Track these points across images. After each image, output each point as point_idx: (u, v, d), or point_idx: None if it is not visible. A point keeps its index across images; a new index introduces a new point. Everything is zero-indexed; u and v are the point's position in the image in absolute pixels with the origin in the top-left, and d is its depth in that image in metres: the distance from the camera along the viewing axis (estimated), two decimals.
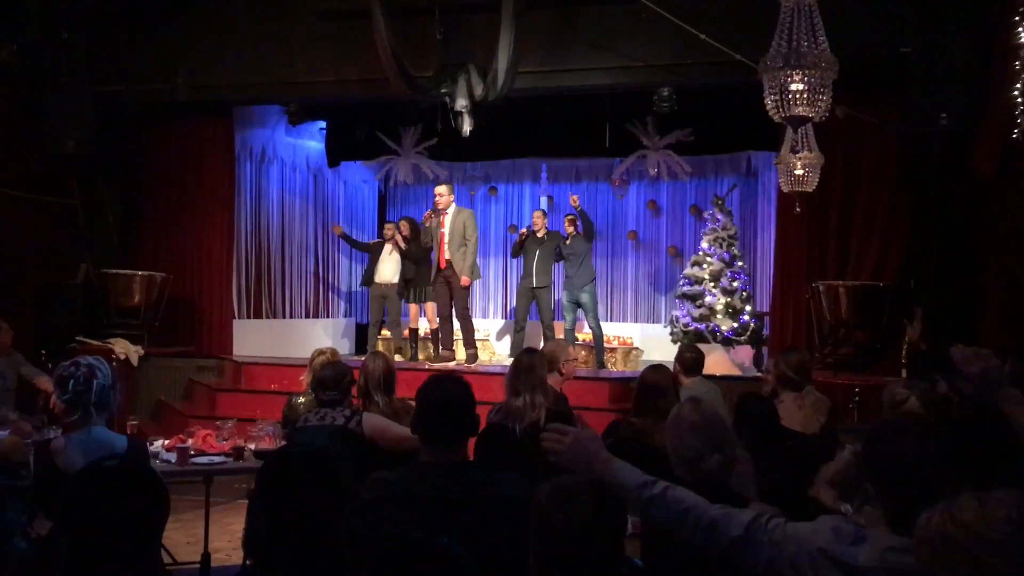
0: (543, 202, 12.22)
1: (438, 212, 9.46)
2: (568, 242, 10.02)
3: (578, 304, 9.98)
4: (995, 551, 1.53)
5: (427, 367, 9.26)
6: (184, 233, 9.96)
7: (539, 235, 10.03)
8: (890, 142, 8.05)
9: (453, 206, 9.56)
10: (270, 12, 9.09)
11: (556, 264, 10.25)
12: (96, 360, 3.46)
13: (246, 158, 10.69)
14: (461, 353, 9.64)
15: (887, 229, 8.16)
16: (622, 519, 2.06)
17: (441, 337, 9.79)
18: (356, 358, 9.11)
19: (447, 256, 9.39)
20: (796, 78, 4.16)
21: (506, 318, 12.23)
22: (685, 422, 2.72)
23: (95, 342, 8.78)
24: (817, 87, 4.19)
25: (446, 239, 9.38)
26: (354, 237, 11.89)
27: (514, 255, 10.50)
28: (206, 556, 5.31)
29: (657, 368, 4.85)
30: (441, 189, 9.58)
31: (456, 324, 9.71)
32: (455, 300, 9.53)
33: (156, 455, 5.18)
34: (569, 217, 10.17)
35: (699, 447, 2.67)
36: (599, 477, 2.20)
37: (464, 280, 9.37)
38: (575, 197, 10.22)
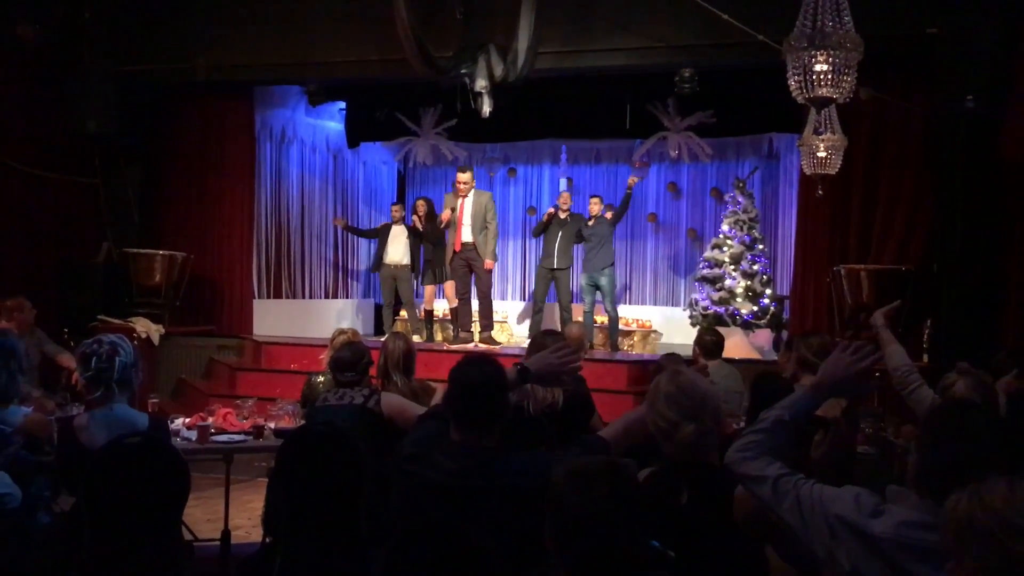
0: (563, 183, 12.17)
1: (458, 196, 9.46)
2: (591, 223, 9.97)
3: (596, 287, 9.94)
4: (1021, 537, 1.51)
5: (445, 348, 9.28)
6: (205, 213, 10.01)
7: (562, 216, 9.97)
8: (915, 124, 7.95)
9: (474, 189, 9.58)
10: None
11: (576, 246, 10.20)
12: (118, 338, 3.49)
13: (266, 138, 10.70)
14: (470, 332, 9.68)
15: (910, 213, 8.08)
16: (639, 500, 2.06)
17: (460, 319, 9.80)
18: (375, 339, 9.14)
19: (464, 239, 9.41)
20: (820, 59, 4.12)
21: (524, 300, 12.23)
22: (660, 393, 2.69)
23: (117, 320, 8.85)
24: (842, 68, 4.14)
25: (467, 222, 9.37)
26: (371, 219, 11.92)
27: (535, 235, 10.44)
28: (226, 533, 5.36)
29: (672, 357, 4.86)
30: (465, 176, 9.56)
31: (475, 305, 9.72)
32: (478, 282, 9.54)
33: (177, 433, 5.23)
34: (595, 198, 10.13)
35: (674, 418, 2.64)
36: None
37: (488, 263, 9.38)
38: (634, 178, 10.23)
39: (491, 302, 9.71)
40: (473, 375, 2.66)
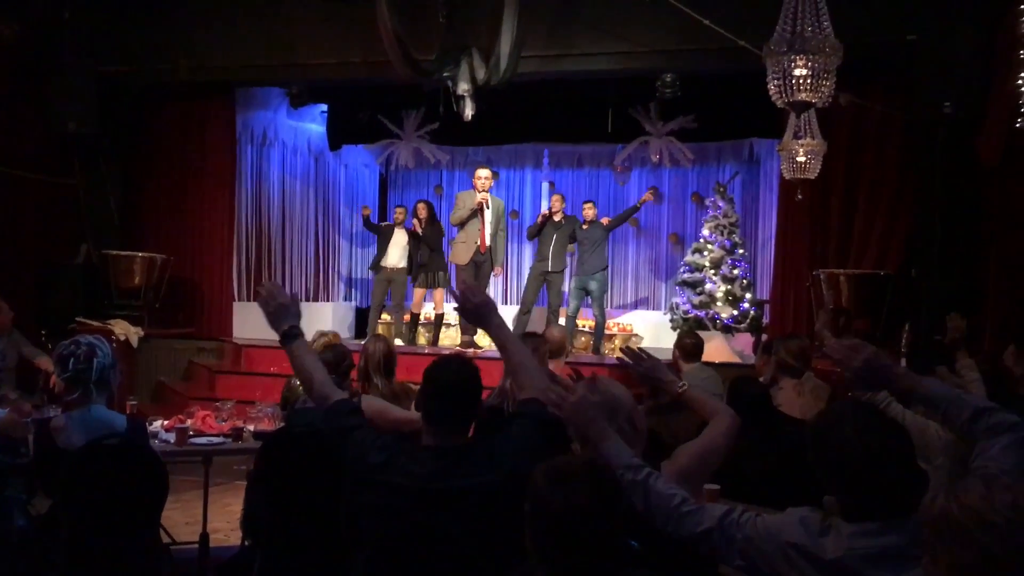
0: (545, 187, 12.19)
1: (476, 194, 9.53)
2: (585, 227, 9.99)
3: (586, 291, 9.94)
4: (996, 535, 1.54)
5: (426, 351, 9.26)
6: (185, 215, 9.96)
7: (556, 219, 9.96)
8: (894, 130, 8.03)
9: (490, 193, 9.64)
10: None
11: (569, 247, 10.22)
12: (96, 339, 3.47)
13: (247, 140, 10.66)
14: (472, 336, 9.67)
15: (889, 217, 8.15)
16: (620, 500, 2.06)
17: (462, 322, 9.75)
18: (356, 342, 9.11)
19: (488, 242, 9.48)
20: (800, 63, 4.15)
21: (505, 303, 12.22)
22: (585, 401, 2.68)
23: (95, 323, 8.78)
24: (821, 73, 4.18)
25: (489, 225, 9.46)
26: (352, 221, 11.92)
27: (530, 237, 10.43)
28: (204, 536, 5.33)
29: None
30: (486, 172, 9.63)
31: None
32: (479, 284, 9.52)
33: (155, 435, 5.19)
34: (589, 203, 10.16)
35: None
36: (591, 444, 2.31)
37: (497, 270, 9.50)
38: (650, 195, 10.40)
39: None
40: (449, 375, 2.66)
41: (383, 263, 10.33)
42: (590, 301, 10.01)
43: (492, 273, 9.50)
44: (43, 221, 9.27)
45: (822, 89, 4.23)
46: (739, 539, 2.13)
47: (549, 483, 2.00)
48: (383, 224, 10.96)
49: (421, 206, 10.35)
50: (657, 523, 2.23)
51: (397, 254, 10.32)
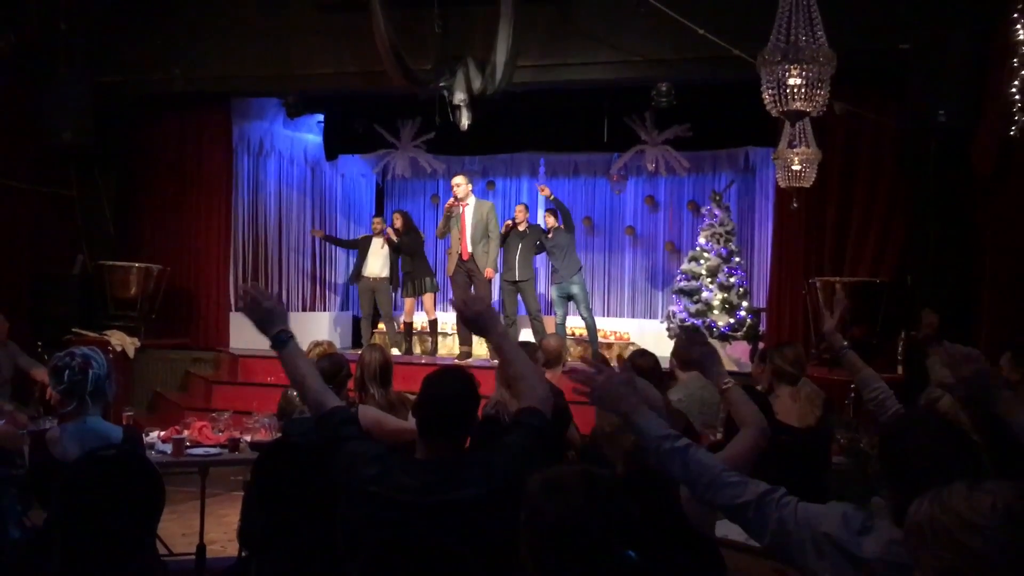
0: (541, 197, 12.19)
1: (458, 201, 9.39)
2: (550, 235, 9.98)
3: (569, 297, 9.94)
4: (979, 537, 1.56)
5: (423, 361, 9.26)
6: (181, 225, 9.95)
7: (520, 228, 9.96)
8: (888, 138, 8.05)
9: (473, 197, 9.52)
10: (270, 3, 9.06)
11: (536, 257, 10.20)
12: (91, 350, 3.46)
13: (244, 150, 10.66)
14: (470, 346, 9.63)
15: (884, 225, 8.17)
16: (614, 509, 2.05)
17: (460, 331, 9.71)
18: (352, 352, 9.10)
19: (470, 249, 9.35)
20: (794, 72, 4.17)
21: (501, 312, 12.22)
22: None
23: (92, 333, 8.77)
24: (815, 82, 4.20)
25: (468, 232, 9.33)
26: (349, 231, 11.89)
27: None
28: (201, 547, 5.32)
29: (645, 353, 4.86)
30: (458, 180, 9.50)
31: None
32: (477, 293, 9.47)
33: (152, 446, 5.19)
34: (549, 210, 10.16)
35: (619, 423, 2.61)
36: (624, 419, 2.33)
37: (488, 272, 9.35)
38: (544, 188, 10.20)
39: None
40: (446, 387, 2.64)
41: (364, 273, 10.35)
42: (574, 307, 10.00)
43: (485, 276, 9.39)
44: (39, 232, 9.26)
45: (816, 98, 4.24)
46: (774, 519, 2.13)
47: (543, 493, 2.00)
48: (360, 237, 10.98)
49: (396, 216, 10.42)
50: (695, 490, 2.24)
51: (378, 263, 10.34)
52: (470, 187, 9.56)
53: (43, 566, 2.23)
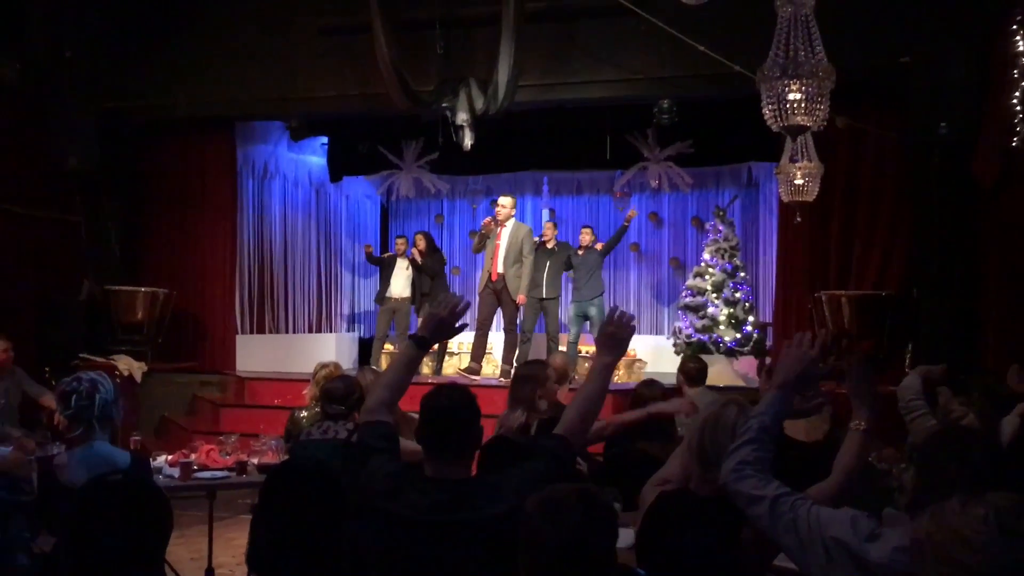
0: (545, 214, 12.24)
1: (497, 223, 9.37)
2: (581, 253, 10.01)
3: (585, 317, 9.95)
4: (971, 550, 1.57)
5: (429, 381, 9.24)
6: (187, 249, 9.98)
7: (549, 246, 9.98)
8: (890, 151, 8.06)
9: (513, 220, 9.44)
10: (272, 28, 9.14)
11: (564, 273, 10.22)
12: (98, 375, 3.47)
13: (248, 173, 10.72)
14: (465, 362, 9.63)
15: (888, 238, 8.16)
16: (613, 528, 2.04)
17: (473, 349, 9.69)
18: (352, 376, 9.08)
19: (500, 270, 9.26)
20: (793, 87, 4.18)
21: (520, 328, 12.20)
22: (728, 422, 2.61)
23: (98, 358, 8.77)
24: (815, 96, 4.21)
25: (501, 253, 9.26)
26: (354, 252, 11.97)
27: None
28: (210, 572, 5.31)
29: (651, 384, 4.85)
30: (505, 201, 9.44)
31: (491, 337, 9.67)
32: (504, 314, 9.45)
33: (159, 470, 5.19)
34: (587, 228, 10.19)
35: (729, 447, 2.62)
36: (781, 388, 2.43)
37: (520, 298, 9.27)
38: (634, 211, 10.49)
39: (516, 336, 9.54)
40: (443, 403, 2.64)
41: (388, 294, 10.37)
42: (589, 327, 10.00)
43: (516, 301, 9.33)
44: (45, 257, 9.29)
45: (817, 113, 4.26)
46: (787, 518, 2.16)
47: (541, 513, 1.99)
48: (385, 255, 11.01)
49: (419, 237, 10.43)
50: (728, 463, 2.31)
51: (400, 284, 10.38)
52: (513, 212, 9.48)
53: None
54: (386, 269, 10.54)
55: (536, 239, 10.03)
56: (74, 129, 8.97)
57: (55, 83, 8.98)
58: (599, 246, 10.12)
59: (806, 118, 4.22)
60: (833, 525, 2.10)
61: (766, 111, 4.35)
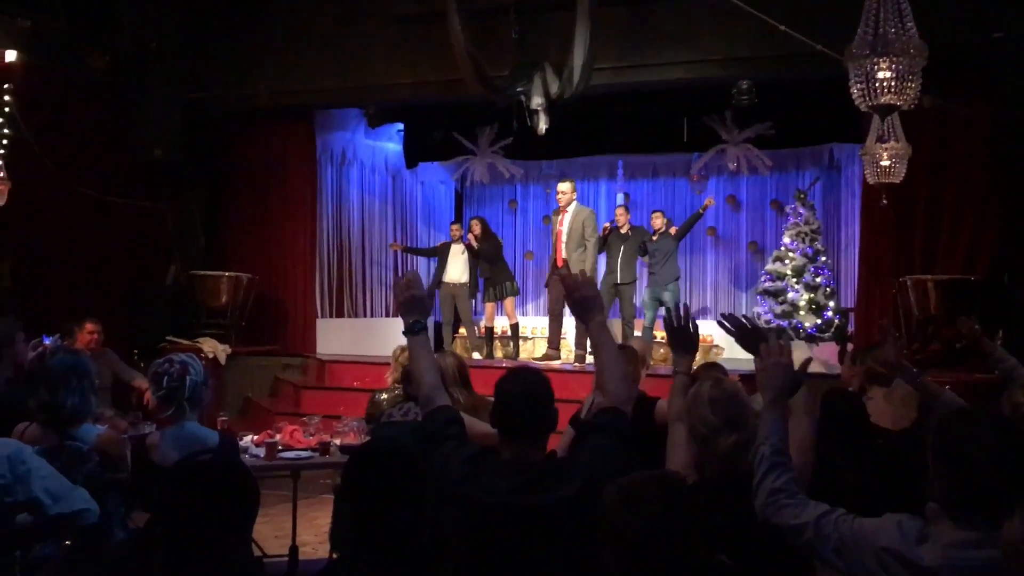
0: (620, 198, 12.14)
1: (559, 211, 9.40)
2: (655, 238, 9.94)
3: (660, 302, 9.86)
4: None
5: (504, 365, 9.28)
6: (268, 235, 10.19)
7: (622, 231, 9.95)
8: (981, 131, 7.77)
9: (575, 204, 9.45)
10: (348, 17, 9.25)
11: (640, 259, 10.15)
12: (189, 357, 3.57)
13: (327, 161, 10.88)
14: (540, 350, 9.65)
15: (977, 221, 7.89)
16: (695, 514, 2.02)
17: (549, 336, 9.74)
18: (433, 356, 9.18)
19: (563, 255, 9.27)
20: (883, 65, 4.06)
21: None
22: (703, 397, 2.68)
23: (185, 341, 9.04)
24: (905, 74, 4.08)
25: (564, 237, 9.28)
26: (430, 238, 12.03)
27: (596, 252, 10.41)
28: (294, 549, 5.43)
29: (714, 366, 4.76)
30: (564, 187, 9.46)
31: (566, 322, 9.71)
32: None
33: (245, 450, 5.30)
34: (657, 213, 10.11)
35: (716, 424, 2.62)
36: (772, 402, 2.38)
37: None
38: (711, 199, 10.43)
39: (561, 321, 9.63)
40: (517, 387, 2.64)
41: (444, 279, 10.44)
42: (663, 314, 9.91)
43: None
44: (133, 245, 9.60)
45: (907, 91, 4.12)
46: (834, 539, 2.11)
47: (621, 504, 1.98)
48: (439, 244, 11.08)
49: (474, 222, 10.47)
50: (755, 499, 2.26)
51: (458, 269, 10.43)
52: (574, 196, 9.50)
53: (146, 565, 2.31)
54: (441, 256, 10.62)
55: (608, 224, 9.99)
56: (159, 120, 9.22)
57: (141, 75, 9.24)
58: (673, 230, 10.02)
59: (896, 97, 4.08)
60: (880, 535, 2.04)
61: (854, 90, 4.22)
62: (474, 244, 10.24)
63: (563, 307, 9.54)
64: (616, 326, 10.08)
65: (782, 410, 2.38)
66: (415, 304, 2.94)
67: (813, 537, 2.13)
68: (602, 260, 10.15)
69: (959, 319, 4.81)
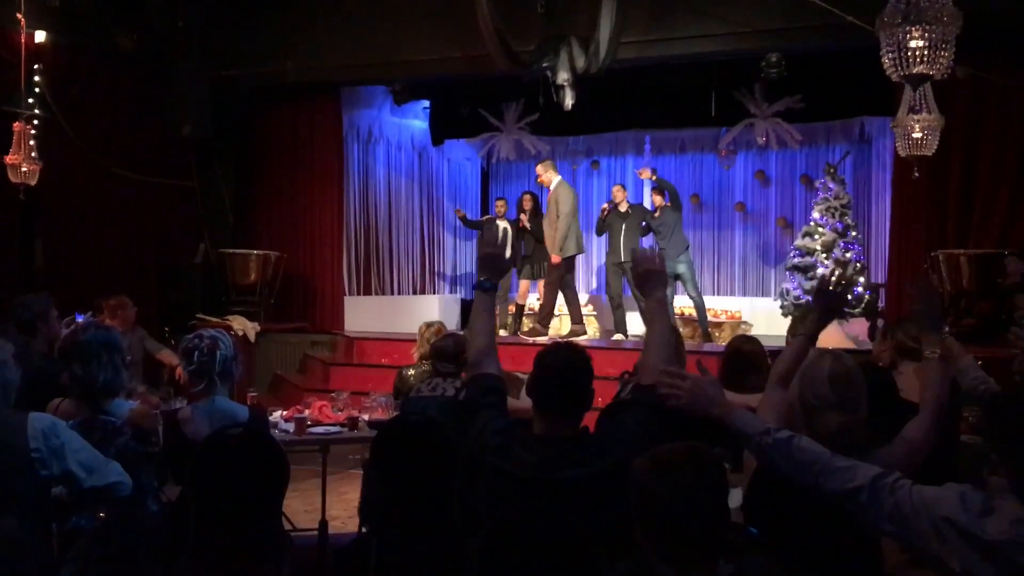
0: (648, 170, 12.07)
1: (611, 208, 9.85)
2: (657, 214, 9.89)
3: (676, 276, 9.79)
4: None
5: (531, 341, 9.27)
6: (296, 213, 10.25)
7: (621, 209, 9.94)
8: (1016, 102, 7.63)
9: (555, 181, 9.65)
10: None
11: (643, 238, 10.09)
12: (218, 332, 3.60)
13: (353, 138, 10.89)
14: (566, 327, 9.66)
15: (1012, 195, 7.76)
16: (724, 486, 2.02)
17: (570, 312, 9.82)
18: (460, 334, 9.21)
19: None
20: (915, 34, 3.97)
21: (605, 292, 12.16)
22: (823, 370, 2.61)
23: (214, 319, 9.11)
24: (938, 43, 3.99)
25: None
26: (453, 217, 12.08)
27: (598, 233, 10.42)
28: (323, 523, 5.48)
29: (751, 339, 4.70)
30: (538, 168, 9.72)
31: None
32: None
33: (275, 425, 5.35)
34: (654, 189, 10.05)
35: (831, 400, 2.56)
36: (719, 421, 2.31)
37: (554, 258, 9.41)
38: (644, 171, 10.29)
39: (576, 295, 9.78)
40: (559, 362, 2.64)
41: None
42: (681, 287, 9.86)
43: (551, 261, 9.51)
44: (164, 222, 9.70)
45: (940, 61, 4.03)
46: (889, 504, 2.07)
47: (652, 473, 1.97)
48: (484, 218, 11.05)
49: (527, 197, 10.41)
50: (804, 478, 2.20)
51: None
52: (549, 174, 9.67)
53: (180, 537, 2.35)
54: (488, 231, 10.58)
55: (606, 204, 10.05)
56: (188, 98, 9.27)
57: (169, 53, 9.28)
58: (667, 205, 9.93)
59: (929, 67, 4.00)
60: (941, 504, 2.00)
61: (885, 60, 4.14)
62: (525, 221, 10.22)
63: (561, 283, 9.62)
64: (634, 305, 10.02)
65: (734, 415, 2.35)
66: (490, 262, 3.00)
67: (867, 501, 2.08)
68: (604, 240, 10.15)
69: (915, 277, 4.64)
